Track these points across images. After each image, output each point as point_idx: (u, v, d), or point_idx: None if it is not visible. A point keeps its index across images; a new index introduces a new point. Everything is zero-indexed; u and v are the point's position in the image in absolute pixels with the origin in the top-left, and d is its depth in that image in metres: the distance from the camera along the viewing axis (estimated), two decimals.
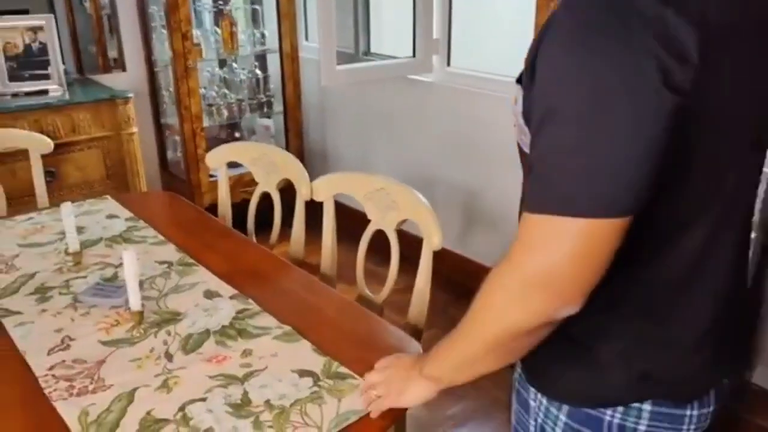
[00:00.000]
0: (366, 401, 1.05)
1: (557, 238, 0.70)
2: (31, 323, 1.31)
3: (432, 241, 1.44)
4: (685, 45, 0.64)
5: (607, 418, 0.85)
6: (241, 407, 1.06)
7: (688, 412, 0.85)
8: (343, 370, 1.14)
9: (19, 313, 1.34)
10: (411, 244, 1.58)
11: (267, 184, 1.90)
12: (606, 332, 0.82)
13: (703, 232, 0.77)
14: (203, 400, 1.07)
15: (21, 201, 2.26)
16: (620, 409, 0.84)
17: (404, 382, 0.99)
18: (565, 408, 0.87)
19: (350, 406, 1.05)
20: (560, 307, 0.73)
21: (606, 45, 0.65)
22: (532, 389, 0.90)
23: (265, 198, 1.90)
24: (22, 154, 2.16)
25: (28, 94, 2.56)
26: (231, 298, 1.39)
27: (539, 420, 0.90)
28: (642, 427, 0.84)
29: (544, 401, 0.89)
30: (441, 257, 1.51)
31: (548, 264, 0.71)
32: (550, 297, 0.72)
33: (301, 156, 3.18)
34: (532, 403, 0.91)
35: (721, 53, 0.68)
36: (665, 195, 0.72)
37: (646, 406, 0.83)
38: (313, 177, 1.78)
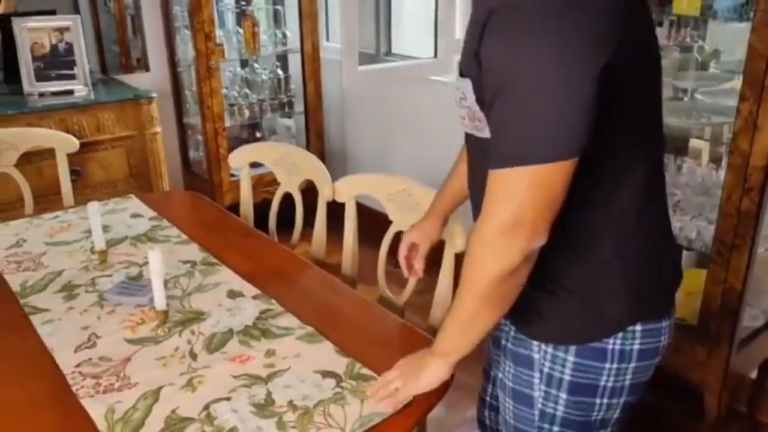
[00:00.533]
0: (383, 397, 1.06)
1: (517, 185, 0.86)
2: (59, 320, 1.33)
3: (455, 243, 1.44)
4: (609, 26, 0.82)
5: (610, 346, 0.99)
6: (264, 407, 1.06)
7: (664, 324, 1.02)
8: (365, 371, 1.14)
9: (46, 310, 1.37)
10: (434, 246, 1.58)
11: (289, 184, 1.91)
12: (600, 274, 0.96)
13: (647, 164, 0.95)
14: (227, 399, 1.08)
15: (47, 199, 2.30)
16: (620, 335, 0.98)
17: (418, 369, 1.05)
18: (573, 348, 0.99)
19: (373, 408, 1.06)
20: (532, 241, 0.88)
21: (545, 30, 0.80)
22: (535, 343, 1.02)
23: (286, 198, 1.92)
24: (49, 153, 2.19)
25: (54, 93, 2.60)
26: (254, 298, 1.40)
27: (545, 369, 1.02)
28: (636, 347, 0.99)
29: (550, 349, 1.00)
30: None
31: (514, 209, 0.86)
32: (521, 235, 0.87)
33: (321, 156, 3.19)
34: (535, 356, 1.02)
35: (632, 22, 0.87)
36: (614, 139, 0.89)
37: (638, 327, 0.99)
38: (333, 177, 1.79)
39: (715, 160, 2.05)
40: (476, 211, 1.01)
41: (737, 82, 1.75)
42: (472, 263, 0.94)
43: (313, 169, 1.85)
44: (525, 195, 0.85)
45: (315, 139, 3.33)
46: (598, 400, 1.02)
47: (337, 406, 1.06)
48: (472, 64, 0.90)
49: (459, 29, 2.73)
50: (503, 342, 1.08)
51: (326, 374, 1.14)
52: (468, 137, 1.05)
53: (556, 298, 0.98)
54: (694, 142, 2.16)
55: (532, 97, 0.82)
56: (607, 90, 0.82)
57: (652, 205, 1.00)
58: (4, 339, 1.29)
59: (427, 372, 1.04)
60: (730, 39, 2.05)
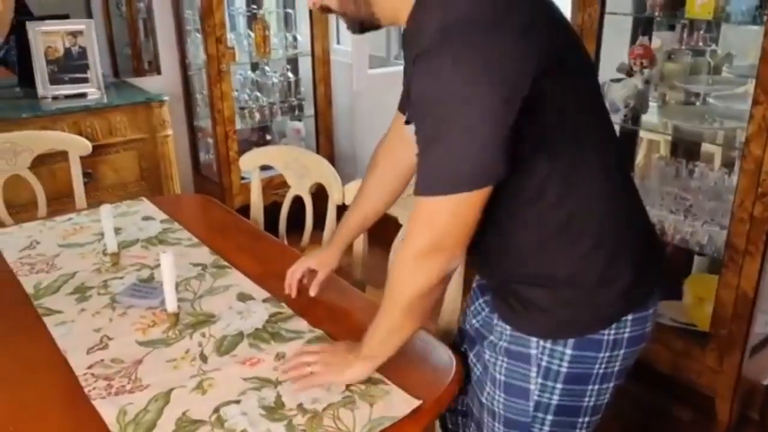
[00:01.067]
0: (294, 376, 1.12)
1: (436, 214, 0.95)
2: (71, 322, 1.34)
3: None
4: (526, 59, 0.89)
5: (605, 337, 1.05)
6: (274, 410, 1.07)
7: (650, 311, 1.08)
8: (374, 375, 1.14)
9: (59, 312, 1.38)
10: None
11: (299, 187, 1.92)
12: (591, 268, 1.02)
13: (602, 162, 1.02)
14: (237, 402, 1.09)
15: (60, 201, 2.32)
16: (614, 325, 1.04)
17: (343, 364, 1.12)
18: (571, 342, 1.04)
19: (383, 412, 1.06)
20: (448, 264, 0.98)
21: (458, 71, 0.87)
22: (533, 339, 1.06)
23: (295, 201, 1.92)
24: (62, 156, 2.21)
25: (67, 97, 2.62)
26: (264, 301, 1.40)
27: (543, 363, 1.06)
28: (627, 335, 1.06)
29: (548, 344, 1.05)
30: None
31: (433, 236, 0.96)
32: (438, 260, 0.98)
33: (331, 159, 3.19)
34: (533, 351, 1.07)
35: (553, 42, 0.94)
36: (560, 150, 0.96)
37: (629, 316, 1.05)
38: (342, 179, 1.80)
39: (728, 164, 2.04)
40: (475, 255, 1.12)
41: (750, 86, 1.75)
42: (395, 281, 1.04)
43: (323, 172, 1.85)
44: (443, 223, 0.95)
45: (325, 142, 3.34)
46: (590, 387, 1.08)
47: (347, 410, 1.06)
48: (407, 96, 0.98)
49: None
50: (497, 342, 1.11)
51: None
52: None
53: (556, 293, 1.04)
54: (706, 147, 2.15)
55: (449, 132, 0.89)
56: (535, 113, 0.90)
57: (623, 196, 1.07)
58: (18, 340, 1.31)
59: (350, 371, 1.11)
60: (744, 42, 2.04)
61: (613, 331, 1.05)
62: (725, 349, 1.84)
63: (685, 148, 2.20)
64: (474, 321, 1.23)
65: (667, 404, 2.08)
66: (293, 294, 1.42)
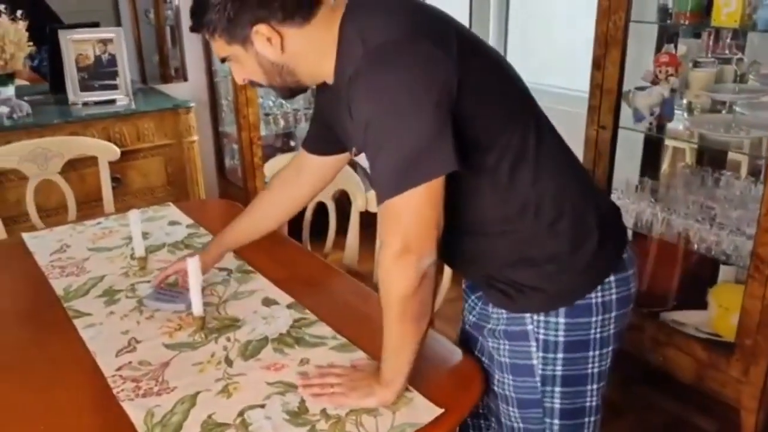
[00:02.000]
0: (315, 392, 1.13)
1: (397, 213, 0.99)
2: (100, 325, 1.37)
3: None
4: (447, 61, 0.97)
5: (593, 300, 1.11)
6: (298, 415, 1.08)
7: (630, 272, 1.15)
8: None
9: (89, 314, 1.41)
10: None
11: (323, 194, 1.93)
12: (563, 237, 1.09)
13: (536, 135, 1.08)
14: (262, 406, 1.11)
15: (89, 205, 2.36)
16: (599, 288, 1.11)
17: (369, 388, 1.12)
18: (562, 311, 1.10)
19: (405, 419, 1.07)
20: (420, 262, 1.00)
21: (390, 81, 0.96)
22: (527, 315, 1.12)
23: (317, 206, 1.94)
24: (91, 161, 2.26)
25: (97, 103, 2.68)
26: (288, 306, 1.42)
27: (540, 336, 1.12)
28: (614, 296, 1.12)
29: (542, 317, 1.11)
30: None
31: (401, 236, 0.99)
32: (411, 260, 1.00)
33: (352, 165, 3.21)
34: (529, 327, 1.12)
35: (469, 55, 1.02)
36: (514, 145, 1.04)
37: (612, 278, 1.12)
38: (366, 185, 1.81)
39: (754, 173, 2.02)
40: (456, 257, 1.21)
41: None
42: (382, 291, 1.07)
43: (347, 179, 1.87)
44: (406, 221, 0.99)
45: None
46: (590, 353, 1.14)
47: (370, 416, 1.08)
48: (348, 114, 1.03)
49: (492, 41, 2.73)
50: (496, 327, 1.17)
51: None
52: None
53: (540, 270, 1.10)
54: (732, 155, 2.13)
55: (390, 137, 0.96)
56: (465, 108, 0.98)
57: (572, 169, 1.15)
58: (49, 341, 1.34)
59: (373, 398, 1.11)
60: None
61: (599, 294, 1.11)
62: (751, 359, 1.82)
63: (711, 157, 2.18)
64: (470, 317, 1.26)
65: (691, 415, 2.06)
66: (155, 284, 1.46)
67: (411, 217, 0.99)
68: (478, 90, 1.01)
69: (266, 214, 1.49)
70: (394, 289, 1.04)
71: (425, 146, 0.95)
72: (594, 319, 1.12)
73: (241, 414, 1.09)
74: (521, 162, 1.05)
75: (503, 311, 1.15)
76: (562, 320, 1.11)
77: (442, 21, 1.06)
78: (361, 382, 1.13)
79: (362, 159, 1.10)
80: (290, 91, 1.15)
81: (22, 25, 2.47)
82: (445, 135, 0.96)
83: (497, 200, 1.07)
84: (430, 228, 1.00)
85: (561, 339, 1.12)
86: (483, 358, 1.23)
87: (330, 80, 1.09)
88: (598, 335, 1.13)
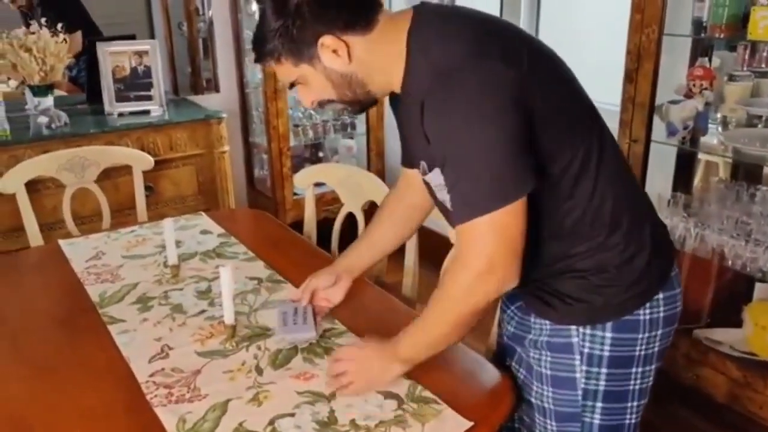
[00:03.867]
0: (334, 383, 1.16)
1: (483, 234, 1.00)
2: (134, 331, 1.39)
3: None
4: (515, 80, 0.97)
5: (641, 317, 1.11)
6: (327, 425, 1.09)
7: (678, 290, 1.15)
8: (426, 394, 1.15)
9: (123, 320, 1.44)
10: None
11: (352, 204, 1.95)
12: (614, 252, 1.09)
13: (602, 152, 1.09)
14: (292, 415, 1.11)
15: (122, 213, 2.41)
16: (648, 305, 1.11)
17: (380, 368, 1.15)
18: (609, 325, 1.10)
19: (434, 431, 1.06)
20: (504, 285, 1.03)
21: (469, 104, 0.96)
22: (573, 328, 1.11)
23: (347, 217, 1.96)
24: (125, 170, 2.31)
25: (132, 113, 2.74)
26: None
27: (585, 350, 1.12)
28: (661, 314, 1.12)
29: (588, 330, 1.11)
30: None
31: (486, 256, 1.00)
32: (494, 281, 1.02)
33: (382, 176, 3.23)
34: (574, 340, 1.12)
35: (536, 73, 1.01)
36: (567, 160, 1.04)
37: (661, 295, 1.12)
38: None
39: None
40: None
41: None
42: (447, 299, 1.08)
43: (377, 190, 1.88)
44: (492, 242, 1.00)
45: (376, 160, 3.38)
46: (633, 369, 1.13)
47: (399, 428, 1.08)
48: (427, 153, 1.07)
49: None
50: (538, 338, 1.16)
51: (388, 395, 1.15)
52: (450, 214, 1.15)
53: (587, 282, 1.10)
54: None
55: (471, 161, 0.98)
56: (536, 123, 0.98)
57: (629, 184, 1.16)
58: (85, 346, 1.37)
59: (388, 375, 1.15)
60: None
61: (648, 311, 1.11)
62: None
63: (746, 171, 2.14)
64: (509, 327, 1.26)
65: None
66: (297, 297, 1.44)
67: (498, 238, 0.99)
68: (549, 103, 1.02)
69: (384, 234, 1.46)
70: (464, 306, 1.05)
71: (509, 167, 0.97)
72: (640, 336, 1.12)
73: (271, 423, 1.10)
74: (584, 174, 1.06)
75: (547, 322, 1.15)
76: (608, 334, 1.11)
77: (511, 35, 1.07)
78: (370, 363, 1.17)
79: (431, 178, 1.12)
80: (360, 105, 1.14)
81: (62, 37, 2.54)
82: (525, 153, 0.98)
83: (554, 210, 1.07)
84: (516, 251, 1.01)
85: (606, 353, 1.11)
86: (521, 369, 1.22)
87: (398, 90, 1.10)
88: (642, 352, 1.13)
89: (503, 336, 1.31)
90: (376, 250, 1.48)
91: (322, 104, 1.15)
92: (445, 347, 1.15)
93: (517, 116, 0.96)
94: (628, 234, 1.10)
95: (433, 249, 1.84)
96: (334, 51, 1.04)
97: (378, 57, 1.06)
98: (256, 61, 1.11)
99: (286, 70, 1.09)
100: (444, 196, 1.10)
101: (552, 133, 1.02)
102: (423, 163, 1.14)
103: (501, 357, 1.32)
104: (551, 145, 1.03)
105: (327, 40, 1.03)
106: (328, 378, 1.19)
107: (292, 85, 1.12)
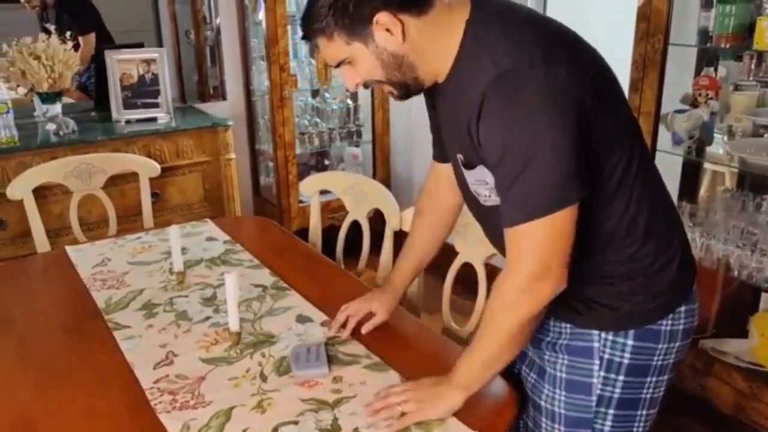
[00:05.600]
0: (385, 417, 1.10)
1: (537, 237, 0.98)
2: (139, 337, 1.40)
3: None
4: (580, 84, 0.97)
5: (663, 327, 1.11)
6: None
7: (696, 304, 1.16)
8: None
9: (128, 327, 1.44)
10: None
11: (357, 212, 1.96)
12: (644, 262, 1.09)
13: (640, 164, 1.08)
14: (295, 423, 1.11)
15: (128, 220, 2.43)
16: (671, 316, 1.11)
17: (435, 398, 1.11)
18: (632, 333, 1.10)
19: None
20: (557, 286, 1.01)
21: (531, 105, 0.95)
22: (595, 332, 1.12)
23: (352, 224, 1.96)
24: (131, 177, 2.32)
25: (139, 120, 2.75)
26: (322, 324, 1.43)
27: (605, 356, 1.12)
28: (681, 326, 1.13)
29: (610, 336, 1.11)
30: None
31: (540, 259, 0.99)
32: (548, 284, 1.00)
33: (387, 184, 3.24)
34: (595, 345, 1.12)
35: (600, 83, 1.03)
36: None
37: (682, 308, 1.13)
38: (398, 204, 1.82)
39: None
40: None
41: None
42: (500, 310, 1.05)
43: (382, 199, 1.88)
44: (547, 245, 0.99)
45: (381, 168, 3.39)
46: (648, 379, 1.14)
47: None
48: (471, 150, 1.05)
49: None
50: (557, 341, 1.16)
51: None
52: (485, 210, 1.16)
53: (614, 288, 1.10)
54: None
55: (533, 162, 0.96)
56: (589, 132, 0.98)
57: (663, 197, 1.16)
58: (90, 351, 1.37)
59: (444, 402, 1.10)
60: None
61: (669, 322, 1.12)
62: None
63: (753, 181, 2.14)
64: None
65: None
66: (334, 331, 1.39)
67: (552, 239, 0.98)
68: (601, 111, 1.01)
69: (428, 242, 1.44)
70: (517, 313, 1.03)
71: (568, 171, 0.96)
72: (660, 346, 1.12)
73: (275, 430, 1.10)
74: (623, 184, 1.05)
75: (567, 325, 1.15)
76: (630, 342, 1.11)
77: (572, 39, 1.06)
78: (425, 392, 1.12)
79: (471, 174, 1.10)
80: (406, 89, 1.11)
81: (71, 45, 2.57)
82: (582, 158, 0.97)
83: (591, 218, 1.05)
84: (567, 255, 1.00)
85: (626, 361, 1.11)
86: (531, 373, 1.21)
87: (441, 79, 1.08)
88: (659, 362, 1.13)
89: None
90: (418, 263, 1.46)
91: (367, 85, 1.12)
92: (503, 365, 1.11)
93: (578, 121, 0.96)
94: (660, 246, 1.10)
95: (438, 256, 1.84)
96: (388, 30, 1.01)
97: (430, 42, 1.04)
98: (305, 38, 1.08)
99: (336, 48, 1.05)
100: (482, 190, 1.11)
101: (600, 141, 1.01)
102: (460, 156, 1.11)
103: (510, 364, 1.31)
104: (598, 153, 1.02)
105: (382, 18, 1.00)
106: (373, 408, 1.12)
107: (337, 66, 1.08)
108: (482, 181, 1.09)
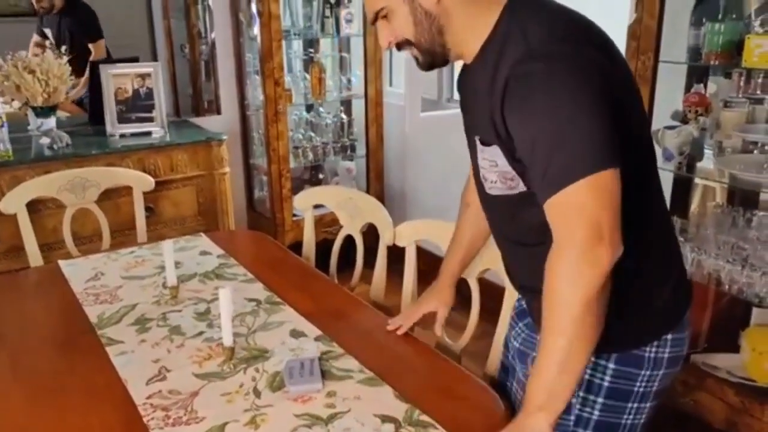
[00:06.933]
0: None
1: (581, 200, 0.92)
2: (132, 352, 1.40)
3: (515, 293, 1.44)
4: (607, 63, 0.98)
5: (646, 354, 1.09)
6: None
7: (686, 334, 1.13)
8: (424, 418, 1.15)
9: (121, 342, 1.44)
10: (493, 293, 1.59)
11: (351, 227, 1.96)
12: (634, 291, 1.05)
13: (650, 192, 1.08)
14: None
15: (122, 234, 2.42)
16: (655, 343, 1.09)
17: (521, 426, 1.02)
18: (614, 356, 1.09)
19: None
20: (614, 250, 0.93)
21: (559, 82, 0.93)
22: None
23: (345, 238, 1.97)
24: (126, 191, 2.32)
25: (133, 135, 2.76)
26: (316, 339, 1.43)
27: (585, 377, 1.09)
28: (666, 354, 1.10)
29: (592, 358, 1.05)
30: None
31: (589, 223, 0.92)
32: (604, 247, 0.92)
33: (381, 198, 3.25)
34: None
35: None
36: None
37: (669, 336, 1.10)
38: (392, 217, 1.83)
39: None
40: (508, 267, 1.24)
41: None
42: (561, 287, 0.96)
43: (375, 213, 1.89)
44: (593, 204, 0.92)
45: (375, 182, 3.40)
46: (629, 404, 1.12)
47: None
48: (492, 132, 1.03)
49: None
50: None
51: (385, 419, 1.15)
52: (491, 200, 1.15)
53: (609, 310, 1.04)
54: (765, 195, 2.11)
55: (571, 127, 0.93)
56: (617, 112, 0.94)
57: (665, 221, 1.14)
58: (83, 367, 1.37)
59: (532, 428, 1.00)
60: None
61: (654, 349, 1.10)
62: None
63: (743, 196, 2.16)
64: (515, 343, 1.25)
65: None
66: (401, 332, 1.47)
67: (597, 200, 0.92)
68: (621, 107, 0.98)
69: (469, 232, 1.43)
70: (583, 282, 0.93)
71: (601, 137, 0.92)
72: (642, 372, 1.10)
73: None
74: (628, 195, 0.97)
75: None
76: (611, 365, 1.10)
77: (601, 33, 1.06)
78: (513, 426, 1.04)
79: (486, 153, 1.08)
80: (432, 57, 1.10)
81: (65, 60, 2.58)
82: (614, 128, 0.94)
83: None
84: (616, 216, 0.92)
85: (606, 384, 1.10)
86: (519, 390, 1.21)
87: (469, 60, 1.09)
88: (641, 389, 1.12)
89: (509, 353, 1.30)
90: (465, 254, 1.46)
91: (399, 46, 1.12)
92: (581, 362, 0.98)
93: (611, 98, 0.93)
94: (655, 268, 1.09)
95: (431, 270, 1.85)
96: None
97: (464, 13, 1.05)
98: None
99: None
100: (489, 174, 1.09)
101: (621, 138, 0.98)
102: (477, 139, 1.11)
103: (503, 379, 1.31)
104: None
105: None
106: None
107: (374, 20, 1.10)
108: (492, 162, 1.07)
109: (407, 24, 1.07)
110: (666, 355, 1.11)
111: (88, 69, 2.89)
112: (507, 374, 1.31)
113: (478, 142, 1.10)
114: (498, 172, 1.07)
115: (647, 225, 1.07)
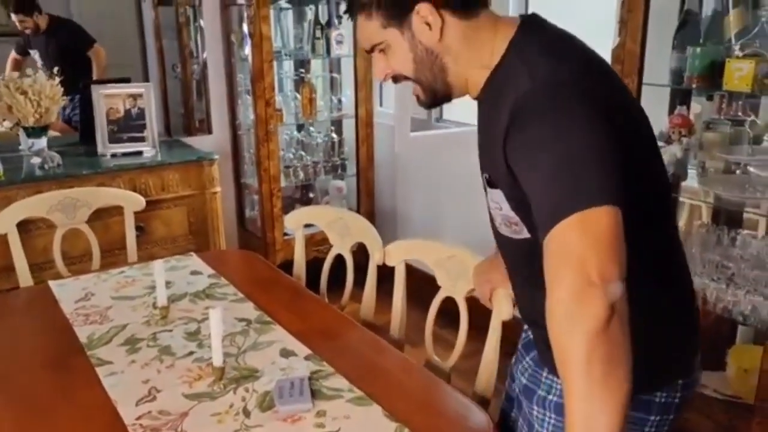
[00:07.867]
0: None
1: (569, 239, 0.85)
2: (122, 373, 1.40)
3: (502, 312, 1.46)
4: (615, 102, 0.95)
5: (657, 399, 1.05)
6: None
7: (695, 375, 1.09)
8: None
9: (110, 362, 1.44)
10: (481, 312, 1.60)
11: (341, 246, 1.98)
12: (643, 334, 0.91)
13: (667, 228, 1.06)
14: None
15: (112, 253, 2.42)
16: (665, 388, 1.05)
17: None
18: None
19: None
20: (610, 285, 0.84)
21: (562, 114, 0.90)
22: None
23: (335, 258, 1.98)
24: (116, 210, 2.33)
25: (125, 154, 2.77)
26: (305, 358, 1.44)
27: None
28: (677, 400, 1.06)
29: (632, 413, 0.96)
30: (511, 327, 1.52)
31: (576, 266, 0.84)
32: (597, 286, 0.83)
33: (371, 217, 3.27)
34: None
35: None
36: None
37: (680, 381, 1.06)
38: (382, 237, 1.85)
39: None
40: (523, 307, 1.19)
41: None
42: (561, 335, 0.87)
43: (365, 233, 1.91)
44: (577, 243, 0.85)
45: (366, 201, 3.43)
46: None
47: None
48: (496, 169, 0.99)
49: None
50: (546, 396, 1.11)
51: None
52: (504, 241, 1.11)
53: None
54: (749, 214, 2.14)
55: (568, 160, 0.88)
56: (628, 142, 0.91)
57: (678, 264, 1.09)
58: (73, 388, 1.37)
59: None
60: None
61: (664, 394, 1.05)
62: None
63: (728, 216, 2.19)
64: (522, 378, 1.19)
65: None
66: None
67: (584, 239, 0.85)
68: (634, 143, 0.96)
69: None
70: (578, 332, 0.84)
71: (596, 173, 0.87)
72: (652, 418, 1.06)
73: None
74: (640, 232, 0.91)
75: (557, 380, 1.07)
76: None
77: (609, 70, 1.04)
78: None
79: (492, 195, 1.06)
80: (434, 95, 1.07)
81: (57, 80, 2.60)
82: (619, 171, 0.88)
83: None
84: (610, 252, 0.84)
85: None
86: (524, 426, 1.17)
87: (474, 95, 1.06)
88: None
89: (514, 386, 1.25)
90: None
91: (395, 79, 1.08)
92: (609, 415, 0.85)
93: (613, 133, 0.89)
94: (669, 309, 1.05)
95: (420, 289, 1.87)
96: (427, 24, 0.99)
97: (467, 49, 1.01)
98: (347, 12, 1.06)
99: (372, 29, 1.03)
100: (496, 214, 1.07)
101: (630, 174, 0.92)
102: (485, 176, 1.07)
103: (507, 408, 1.29)
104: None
105: (424, 9, 0.98)
106: None
107: (370, 51, 1.06)
108: (497, 206, 1.05)
109: (406, 61, 1.03)
110: (677, 400, 1.07)
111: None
112: (511, 404, 1.27)
113: (485, 182, 1.07)
114: (502, 216, 1.05)
115: (653, 266, 1.01)
